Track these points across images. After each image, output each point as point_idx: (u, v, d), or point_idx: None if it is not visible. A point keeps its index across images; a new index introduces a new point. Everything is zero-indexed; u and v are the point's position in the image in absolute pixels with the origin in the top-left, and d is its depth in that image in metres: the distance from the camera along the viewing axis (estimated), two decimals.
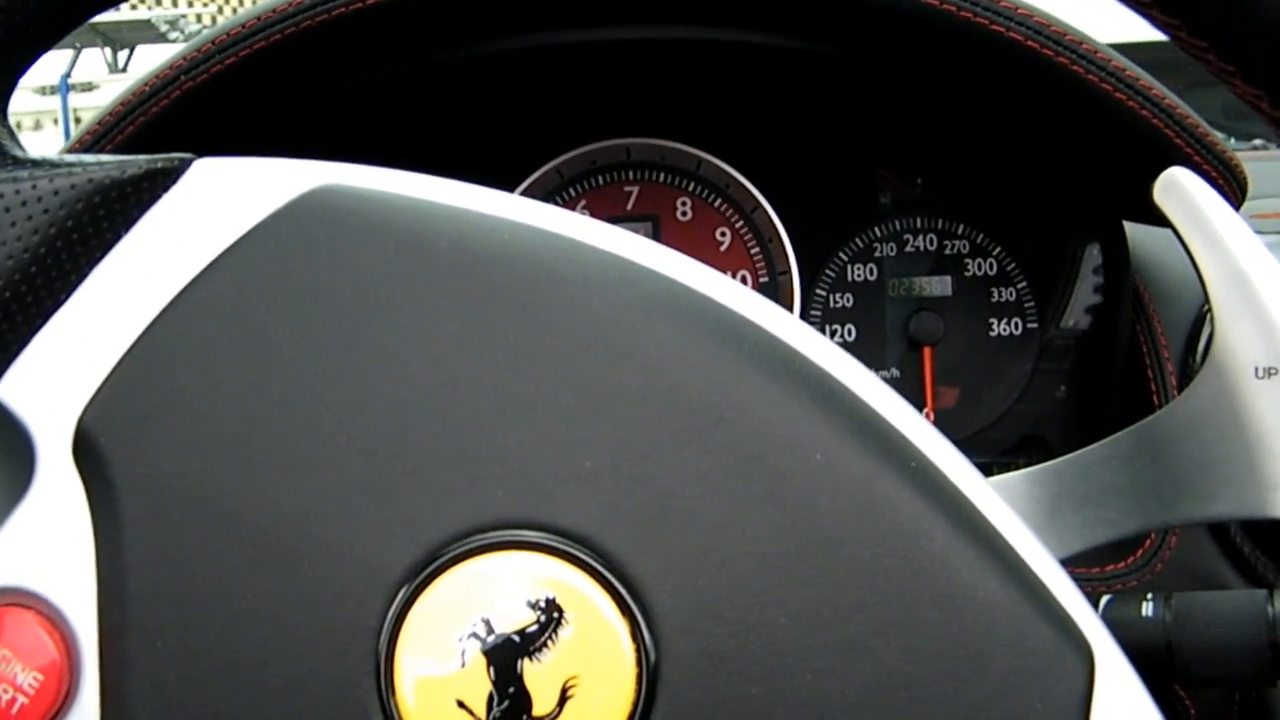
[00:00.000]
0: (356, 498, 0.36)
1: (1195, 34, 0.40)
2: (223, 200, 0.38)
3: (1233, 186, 0.73)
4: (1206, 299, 0.49)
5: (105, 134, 0.71)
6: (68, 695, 0.36)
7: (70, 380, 0.37)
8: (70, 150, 0.73)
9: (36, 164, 0.38)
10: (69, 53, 10.80)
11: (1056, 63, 0.69)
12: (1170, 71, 0.73)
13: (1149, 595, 0.55)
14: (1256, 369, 0.48)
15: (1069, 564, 0.47)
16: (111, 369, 0.37)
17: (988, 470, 0.51)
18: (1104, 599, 0.56)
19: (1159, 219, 0.49)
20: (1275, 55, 0.38)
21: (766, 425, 0.36)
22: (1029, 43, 0.69)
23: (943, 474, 0.37)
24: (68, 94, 10.50)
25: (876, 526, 0.35)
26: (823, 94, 0.85)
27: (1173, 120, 0.70)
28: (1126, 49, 0.71)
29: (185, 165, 0.39)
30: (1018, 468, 0.54)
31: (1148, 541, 0.76)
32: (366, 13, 0.69)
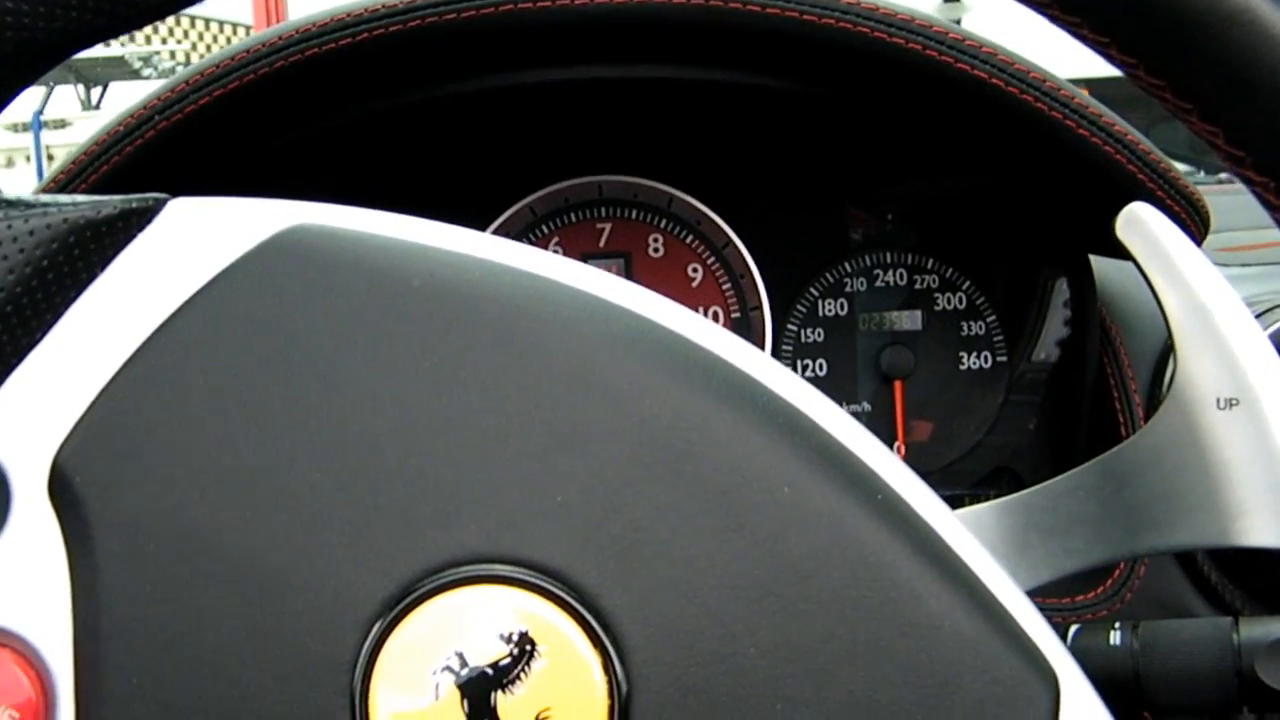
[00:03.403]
0: (331, 533, 0.36)
1: (1152, 72, 0.41)
2: (197, 240, 0.39)
3: (1195, 221, 0.74)
4: (1169, 332, 0.49)
5: (79, 173, 0.71)
6: None
7: (45, 419, 0.37)
8: (45, 189, 0.73)
9: (11, 204, 0.38)
10: (42, 89, 10.77)
11: (1021, 100, 0.70)
12: (1136, 106, 0.74)
13: (1116, 624, 0.56)
14: (1218, 400, 0.48)
15: (1038, 594, 0.47)
16: (87, 407, 0.37)
17: (959, 502, 0.52)
18: (1072, 628, 0.57)
19: (1124, 253, 0.50)
20: (1230, 92, 0.39)
21: (735, 459, 0.36)
22: (994, 80, 0.70)
23: (909, 506, 0.37)
24: (40, 131, 10.45)
25: (844, 558, 0.36)
26: (793, 131, 0.86)
27: (1135, 155, 0.71)
28: (1092, 84, 0.72)
29: (160, 205, 0.39)
30: (989, 499, 0.55)
31: (1117, 571, 0.76)
32: (339, 54, 0.69)
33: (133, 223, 0.39)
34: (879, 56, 0.70)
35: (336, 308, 0.38)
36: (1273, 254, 1.19)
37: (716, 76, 0.77)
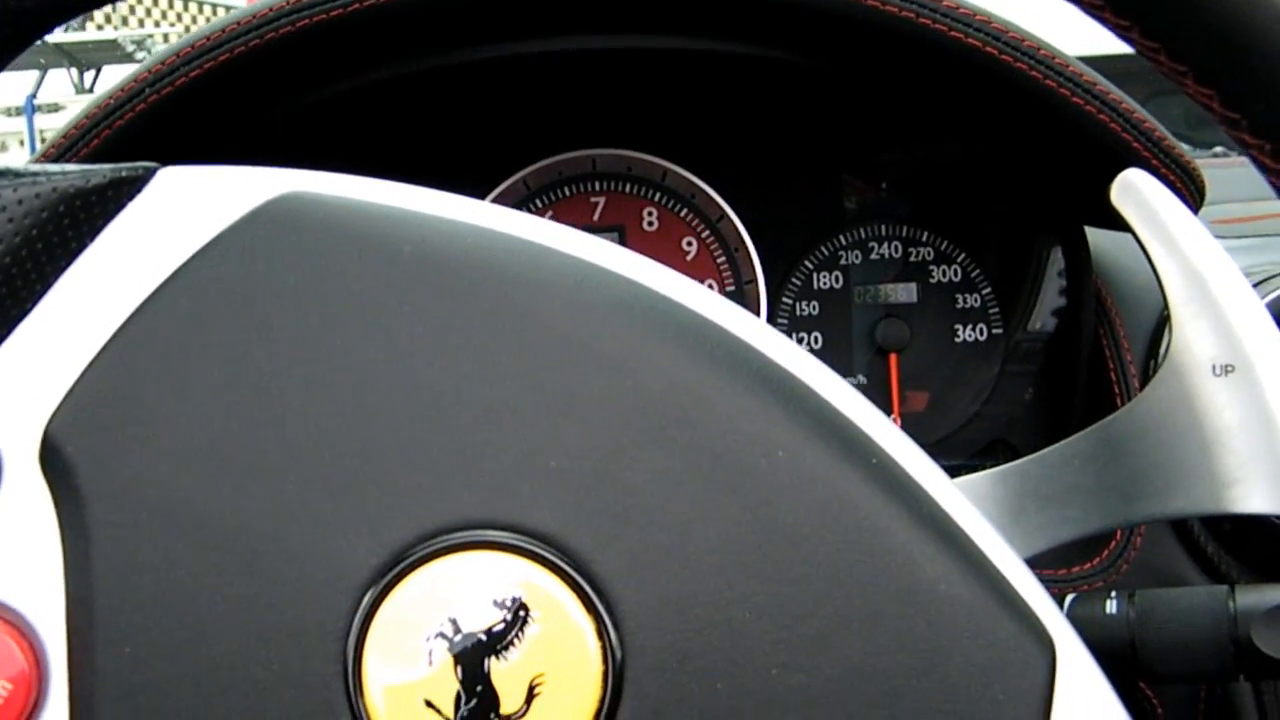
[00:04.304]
0: (322, 501, 0.36)
1: (1147, 35, 0.40)
2: (187, 208, 0.38)
3: (1190, 190, 0.74)
4: (1164, 299, 0.49)
5: (71, 146, 0.71)
6: (36, 704, 0.36)
7: (36, 389, 0.37)
8: (36, 162, 0.73)
9: (0, 174, 0.38)
10: (35, 73, 10.73)
11: (1015, 68, 0.70)
12: (1131, 81, 0.74)
13: (1113, 593, 0.56)
14: (1214, 366, 0.48)
15: (1034, 564, 0.47)
16: (78, 377, 0.37)
17: (955, 474, 0.52)
18: (1069, 597, 0.57)
19: (1120, 224, 0.50)
20: (1224, 53, 0.39)
21: (729, 423, 0.36)
22: (987, 48, 0.69)
23: (904, 470, 0.37)
24: (33, 115, 10.42)
25: (839, 522, 0.36)
26: (787, 101, 0.86)
27: (1130, 125, 0.70)
28: (1087, 60, 0.72)
29: (149, 174, 0.39)
30: (984, 470, 0.55)
31: (1113, 542, 0.76)
32: (331, 25, 0.69)
33: (122, 192, 0.39)
34: (871, 25, 0.70)
35: (327, 275, 0.37)
36: (1269, 226, 1.19)
37: (709, 48, 0.76)
